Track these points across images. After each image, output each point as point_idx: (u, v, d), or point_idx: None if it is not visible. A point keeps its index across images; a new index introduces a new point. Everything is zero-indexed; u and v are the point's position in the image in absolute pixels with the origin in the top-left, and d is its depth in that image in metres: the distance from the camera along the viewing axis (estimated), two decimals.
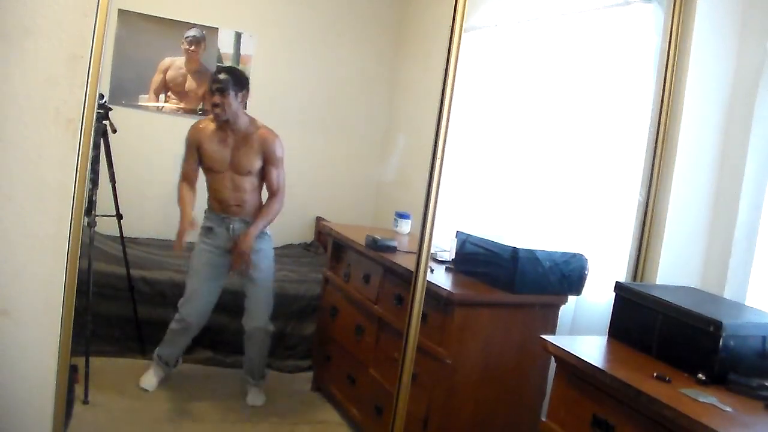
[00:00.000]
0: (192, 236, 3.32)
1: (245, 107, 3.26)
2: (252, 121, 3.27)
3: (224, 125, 3.21)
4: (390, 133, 5.15)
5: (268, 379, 3.58)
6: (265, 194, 3.36)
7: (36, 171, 1.92)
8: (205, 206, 3.36)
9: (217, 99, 3.13)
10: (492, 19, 3.78)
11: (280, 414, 3.37)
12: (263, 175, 3.30)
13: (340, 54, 5.07)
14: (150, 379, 3.40)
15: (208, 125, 3.28)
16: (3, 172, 1.90)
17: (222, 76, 3.15)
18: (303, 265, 4.46)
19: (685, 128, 2.56)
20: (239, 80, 3.18)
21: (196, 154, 3.28)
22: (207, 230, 3.33)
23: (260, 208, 3.31)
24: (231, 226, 3.28)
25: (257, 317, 3.34)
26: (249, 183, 3.27)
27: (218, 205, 3.30)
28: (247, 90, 3.23)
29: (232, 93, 3.13)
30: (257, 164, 3.24)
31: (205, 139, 3.25)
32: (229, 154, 3.22)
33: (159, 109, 4.67)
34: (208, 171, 3.29)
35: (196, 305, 3.32)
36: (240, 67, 4.78)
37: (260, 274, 3.31)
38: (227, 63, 4.77)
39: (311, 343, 3.87)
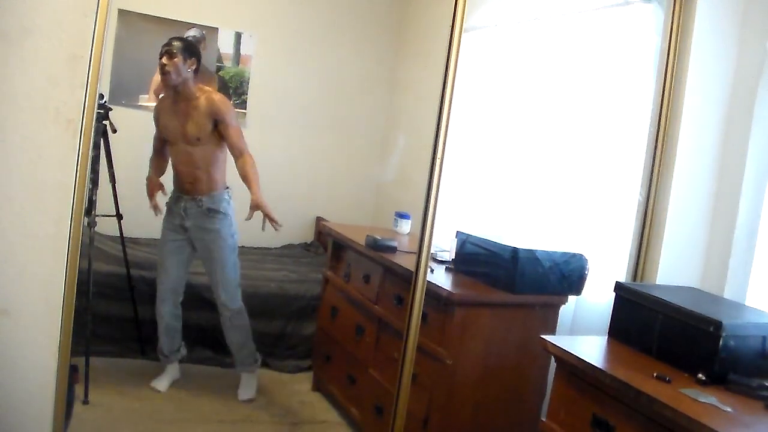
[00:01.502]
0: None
1: (195, 75, 3.26)
2: (200, 88, 3.30)
3: (176, 96, 3.26)
4: (390, 133, 5.15)
5: (265, 378, 3.57)
6: (233, 180, 3.36)
7: (36, 171, 1.92)
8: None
9: (165, 60, 3.17)
10: (492, 19, 3.78)
11: (280, 414, 3.37)
12: (217, 147, 3.29)
13: (340, 54, 5.07)
14: (161, 380, 3.43)
15: (166, 99, 3.37)
16: (3, 172, 1.90)
17: (174, 42, 3.22)
18: (303, 265, 4.46)
19: (685, 128, 2.56)
20: (188, 47, 3.24)
21: (157, 127, 3.40)
22: (168, 208, 3.42)
23: (218, 187, 3.32)
24: (182, 204, 3.32)
25: (217, 291, 3.37)
26: (201, 156, 3.25)
27: (176, 183, 3.37)
28: (197, 59, 3.26)
29: (180, 56, 3.18)
30: (206, 129, 3.24)
31: (162, 112, 3.35)
32: (179, 124, 3.26)
33: None
34: (168, 144, 3.38)
35: (161, 280, 3.40)
36: (240, 67, 4.79)
37: (212, 253, 3.33)
38: (227, 63, 4.77)
39: (311, 343, 3.87)
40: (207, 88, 3.34)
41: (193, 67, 3.23)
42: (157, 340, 3.48)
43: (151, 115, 3.45)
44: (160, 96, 3.48)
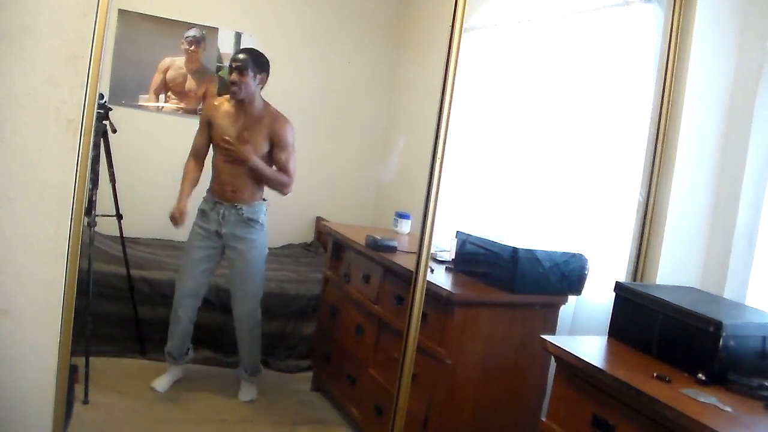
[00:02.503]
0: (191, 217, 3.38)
1: (262, 89, 3.26)
2: (266, 105, 3.28)
3: (239, 105, 3.23)
4: (390, 133, 5.16)
5: (265, 378, 3.57)
6: (268, 192, 3.36)
7: (36, 171, 1.92)
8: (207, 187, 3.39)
9: (235, 77, 3.16)
10: (492, 19, 3.78)
11: (280, 414, 3.37)
12: (271, 162, 3.28)
13: (340, 54, 5.07)
14: (162, 380, 3.41)
15: (224, 102, 3.32)
16: (3, 172, 1.90)
17: (242, 55, 3.18)
18: (303, 265, 4.46)
19: (685, 128, 2.56)
20: (259, 61, 3.21)
21: (206, 129, 3.33)
22: (201, 212, 3.35)
23: (258, 198, 3.31)
24: (222, 211, 3.28)
25: (242, 302, 3.34)
26: (250, 168, 3.23)
27: (216, 188, 3.31)
28: (267, 73, 3.24)
29: (250, 73, 3.16)
30: (263, 147, 3.23)
31: (218, 115, 3.29)
32: (236, 132, 3.22)
33: (159, 109, 4.67)
34: (216, 147, 3.30)
35: (185, 284, 3.34)
36: None
37: (244, 264, 3.30)
38: (227, 63, 4.77)
39: (311, 343, 3.87)
40: (272, 107, 3.29)
41: (264, 82, 3.23)
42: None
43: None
44: (215, 99, 3.39)
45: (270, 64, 3.27)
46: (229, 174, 3.25)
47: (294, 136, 3.29)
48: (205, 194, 3.37)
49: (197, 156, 3.37)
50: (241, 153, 3.16)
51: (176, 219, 3.26)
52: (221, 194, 3.28)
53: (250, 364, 3.46)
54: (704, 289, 2.49)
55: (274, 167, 3.28)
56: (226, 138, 3.19)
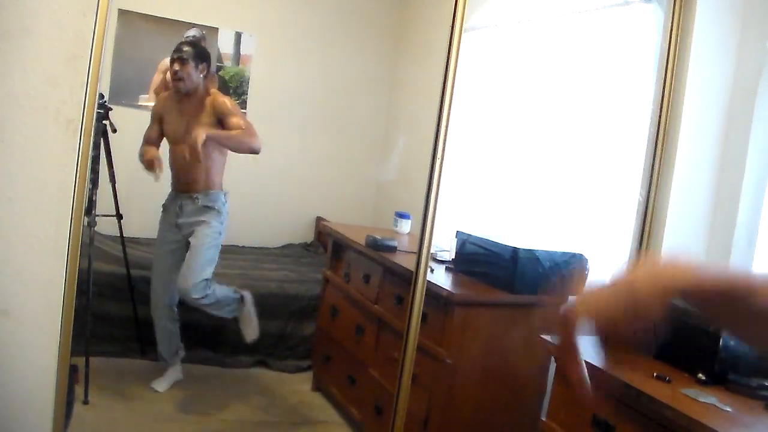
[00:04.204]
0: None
1: (205, 79, 3.29)
2: (208, 91, 3.31)
3: (182, 96, 3.28)
4: (390, 133, 5.15)
5: (265, 378, 3.57)
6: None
7: (36, 171, 1.92)
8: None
9: (177, 67, 3.19)
10: (492, 19, 3.78)
11: (280, 414, 3.37)
12: (225, 128, 3.22)
13: (340, 54, 5.07)
14: (161, 381, 3.42)
15: (171, 96, 3.37)
16: (3, 172, 1.90)
17: (184, 47, 3.24)
18: (303, 265, 4.46)
19: (685, 128, 2.56)
20: (200, 53, 3.27)
21: (157, 125, 3.39)
22: (163, 208, 3.42)
23: (214, 187, 3.33)
24: (179, 203, 3.32)
25: (182, 276, 3.22)
26: (202, 156, 3.13)
27: (174, 182, 3.37)
28: (208, 64, 3.29)
29: (192, 63, 3.19)
30: (214, 129, 3.22)
31: (167, 110, 3.35)
32: (185, 125, 3.25)
33: None
34: (169, 143, 3.37)
35: (154, 284, 3.39)
36: (240, 67, 4.79)
37: (195, 240, 3.27)
38: (227, 63, 4.77)
39: (311, 343, 3.87)
40: (215, 90, 3.35)
41: (205, 72, 3.26)
42: (156, 340, 3.47)
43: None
44: (162, 93, 3.49)
45: (209, 55, 3.33)
46: (183, 167, 3.29)
47: (233, 102, 3.34)
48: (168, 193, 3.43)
49: (150, 143, 3.37)
50: (194, 141, 3.04)
51: (152, 163, 3.18)
52: (178, 187, 3.36)
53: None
54: None
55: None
56: (181, 147, 3.21)
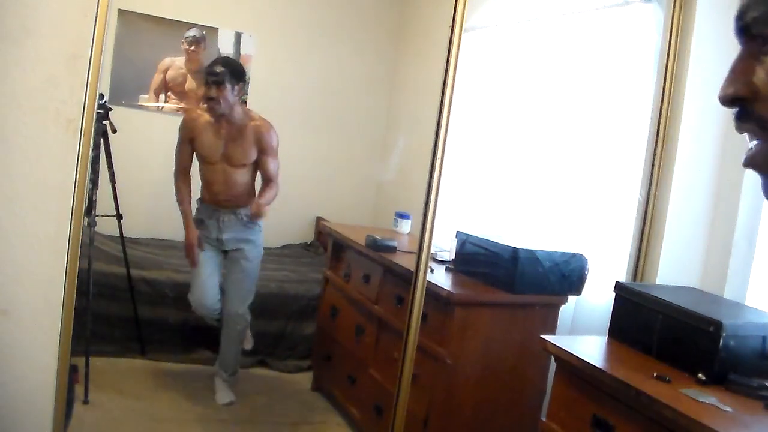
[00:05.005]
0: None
1: (241, 99, 3.26)
2: (246, 112, 3.27)
3: (218, 116, 3.18)
4: (390, 133, 5.15)
5: (265, 379, 3.57)
6: (257, 184, 3.37)
7: (36, 171, 1.92)
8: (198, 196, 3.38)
9: (213, 92, 3.06)
10: (492, 19, 3.78)
11: (280, 414, 3.37)
12: (257, 166, 3.29)
13: (340, 54, 5.07)
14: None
15: (202, 115, 3.25)
16: (3, 172, 1.90)
17: (218, 68, 3.08)
18: (303, 265, 4.46)
19: (685, 128, 2.56)
20: (236, 72, 3.13)
21: (189, 146, 3.28)
22: (199, 222, 3.33)
23: (251, 200, 3.30)
24: (221, 218, 3.28)
25: (236, 302, 3.31)
26: (241, 176, 3.25)
27: (210, 197, 3.30)
28: (244, 82, 3.21)
29: (228, 86, 3.07)
30: (252, 156, 3.23)
31: (199, 131, 3.23)
32: (222, 146, 3.20)
33: (159, 109, 4.67)
34: (201, 161, 3.29)
35: (196, 294, 3.33)
36: None
37: (246, 263, 3.31)
38: None
39: (311, 343, 3.87)
40: (253, 112, 3.28)
41: (242, 92, 3.21)
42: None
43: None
44: (192, 112, 3.36)
45: (245, 71, 3.24)
46: (221, 184, 3.24)
47: (278, 139, 3.29)
48: (198, 203, 3.37)
49: (185, 172, 3.33)
50: (259, 215, 3.16)
51: (193, 248, 3.26)
52: (217, 202, 3.28)
53: (233, 364, 3.44)
54: (704, 290, 2.49)
55: (260, 172, 3.30)
56: (220, 166, 3.21)
